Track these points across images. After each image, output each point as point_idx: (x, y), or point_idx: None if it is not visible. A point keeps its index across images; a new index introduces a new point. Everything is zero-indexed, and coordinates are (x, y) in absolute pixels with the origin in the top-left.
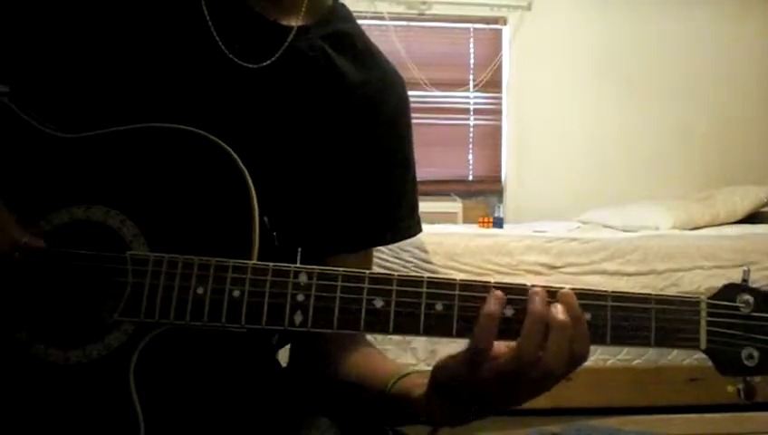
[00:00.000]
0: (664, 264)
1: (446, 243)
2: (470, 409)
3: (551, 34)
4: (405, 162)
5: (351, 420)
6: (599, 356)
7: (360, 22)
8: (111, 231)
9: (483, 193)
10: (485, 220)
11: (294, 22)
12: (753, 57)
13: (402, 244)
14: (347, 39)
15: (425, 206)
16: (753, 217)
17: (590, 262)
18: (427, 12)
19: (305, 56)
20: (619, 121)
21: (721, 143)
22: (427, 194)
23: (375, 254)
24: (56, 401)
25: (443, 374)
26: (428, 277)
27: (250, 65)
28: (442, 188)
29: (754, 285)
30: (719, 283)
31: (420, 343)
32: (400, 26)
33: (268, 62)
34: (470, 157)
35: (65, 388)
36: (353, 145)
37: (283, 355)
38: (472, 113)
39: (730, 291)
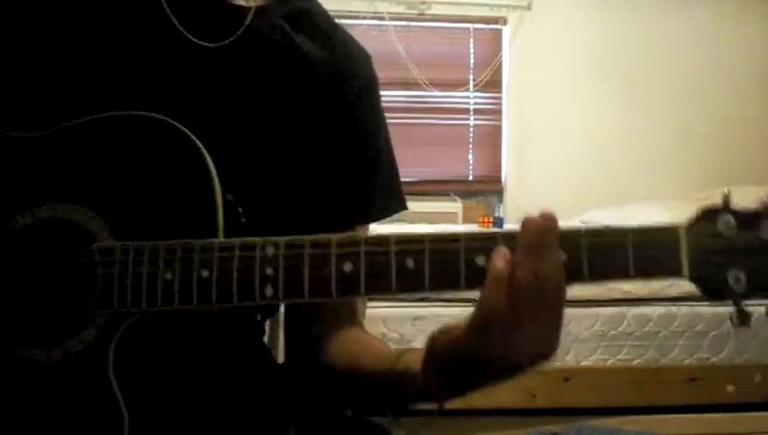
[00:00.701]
0: None
1: None
2: (476, 380)
3: (551, 34)
4: (376, 140)
5: (348, 405)
6: (599, 356)
7: (359, 22)
8: (77, 227)
9: (483, 193)
10: (485, 220)
11: (252, 2)
12: (754, 57)
13: None
14: (307, 17)
15: (425, 206)
16: None
17: None
18: (427, 12)
19: (265, 36)
20: (619, 121)
21: (721, 143)
22: (426, 194)
23: None
24: (42, 400)
25: (446, 348)
26: (396, 235)
27: (209, 44)
28: (442, 188)
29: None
30: None
31: (420, 343)
32: (400, 26)
33: (227, 41)
34: (470, 157)
35: (49, 386)
36: (320, 123)
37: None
38: (472, 113)
39: (710, 215)
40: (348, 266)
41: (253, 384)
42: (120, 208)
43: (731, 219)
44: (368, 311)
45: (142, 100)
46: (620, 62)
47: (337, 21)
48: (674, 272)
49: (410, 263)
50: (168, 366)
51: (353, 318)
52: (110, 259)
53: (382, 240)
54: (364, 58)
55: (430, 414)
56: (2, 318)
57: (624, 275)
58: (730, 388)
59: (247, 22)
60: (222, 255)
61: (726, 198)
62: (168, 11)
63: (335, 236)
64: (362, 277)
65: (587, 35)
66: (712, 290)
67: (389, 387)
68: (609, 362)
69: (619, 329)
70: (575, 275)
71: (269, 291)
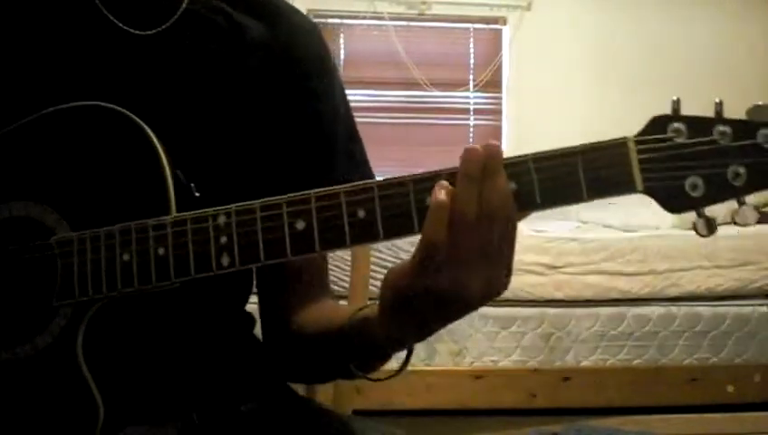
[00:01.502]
0: (664, 264)
1: None
2: (428, 317)
3: (551, 34)
4: (331, 110)
5: (318, 370)
6: (599, 356)
7: (359, 22)
8: (35, 222)
9: None
10: None
11: None
12: (754, 57)
13: (402, 243)
14: None
15: None
16: None
17: (590, 262)
18: (427, 12)
19: (204, 18)
20: (619, 121)
21: None
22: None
23: (372, 252)
24: (16, 398)
25: (394, 286)
26: (345, 187)
27: (142, 32)
28: None
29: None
30: (719, 283)
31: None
32: (400, 26)
33: (162, 27)
34: None
35: (22, 383)
36: (269, 100)
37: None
38: (472, 113)
39: (659, 123)
40: (300, 224)
41: (235, 371)
42: (74, 200)
43: (681, 126)
44: None
45: (80, 93)
46: (620, 63)
47: (337, 21)
48: (628, 187)
49: (361, 213)
50: (142, 354)
51: (325, 291)
52: (68, 250)
53: (331, 194)
54: (310, 30)
55: (392, 376)
56: None
57: (577, 198)
58: (730, 388)
59: (184, 6)
60: (175, 229)
61: (676, 105)
62: (98, 4)
63: (285, 197)
64: (316, 233)
65: (587, 35)
66: (670, 201)
67: (351, 339)
68: (609, 362)
69: (619, 329)
70: (527, 204)
71: (225, 260)
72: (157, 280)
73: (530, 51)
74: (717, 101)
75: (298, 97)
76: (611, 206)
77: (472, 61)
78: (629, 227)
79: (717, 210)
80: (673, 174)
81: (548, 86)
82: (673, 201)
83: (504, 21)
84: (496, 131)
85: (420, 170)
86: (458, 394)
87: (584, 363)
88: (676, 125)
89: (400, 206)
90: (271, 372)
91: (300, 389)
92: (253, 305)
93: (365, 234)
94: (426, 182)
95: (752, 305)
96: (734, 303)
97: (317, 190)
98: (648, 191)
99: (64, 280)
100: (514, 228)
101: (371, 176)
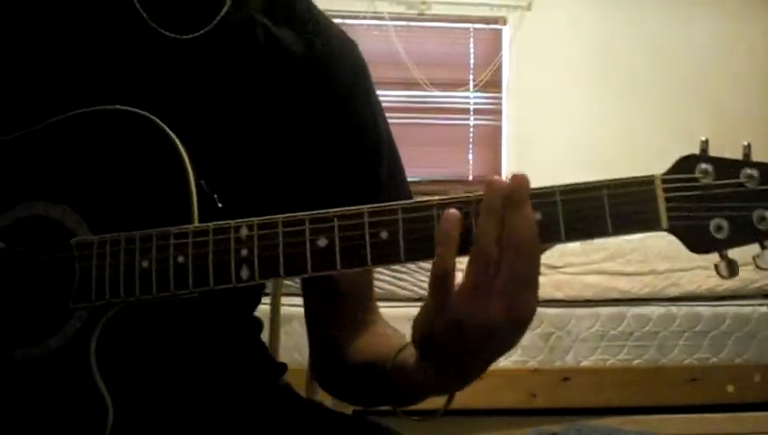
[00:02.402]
0: (664, 264)
1: None
2: (458, 359)
3: (551, 34)
4: (374, 128)
5: (369, 404)
6: (599, 356)
7: (359, 22)
8: (55, 223)
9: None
10: None
11: None
12: (755, 57)
13: None
14: (288, 8)
15: None
16: None
17: (590, 262)
18: (427, 12)
19: (241, 29)
20: (619, 121)
21: (721, 143)
22: (426, 194)
23: None
24: (27, 398)
25: (419, 330)
26: (369, 207)
27: (179, 36)
28: (442, 188)
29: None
30: (719, 283)
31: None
32: (400, 26)
33: (199, 33)
34: (470, 157)
35: (33, 383)
36: (301, 110)
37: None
38: (472, 113)
39: (686, 163)
40: (322, 242)
41: (242, 379)
42: (96, 203)
43: (709, 167)
44: None
45: (113, 94)
46: (620, 62)
47: (337, 21)
48: (653, 225)
49: (384, 234)
50: (154, 359)
51: (371, 312)
52: (87, 253)
53: (355, 214)
54: (349, 46)
55: (434, 414)
56: None
57: (602, 232)
58: (730, 388)
59: (221, 14)
60: (197, 239)
61: (704, 145)
62: (138, 6)
63: (307, 214)
64: (337, 251)
65: (587, 35)
66: (694, 241)
67: (393, 381)
68: (609, 362)
69: (619, 329)
70: (551, 236)
71: (245, 272)
72: (175, 288)
73: (530, 51)
74: (745, 144)
75: (338, 112)
76: None
77: (472, 61)
78: None
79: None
80: (698, 214)
81: (548, 86)
82: (697, 242)
83: (504, 21)
84: (496, 131)
85: (420, 170)
86: (458, 394)
87: (584, 363)
88: (703, 166)
89: (424, 229)
90: (274, 375)
91: (300, 389)
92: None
93: (386, 255)
94: (451, 207)
95: (752, 305)
96: (734, 303)
97: (340, 208)
98: (673, 230)
99: (82, 283)
100: (538, 261)
101: (410, 195)
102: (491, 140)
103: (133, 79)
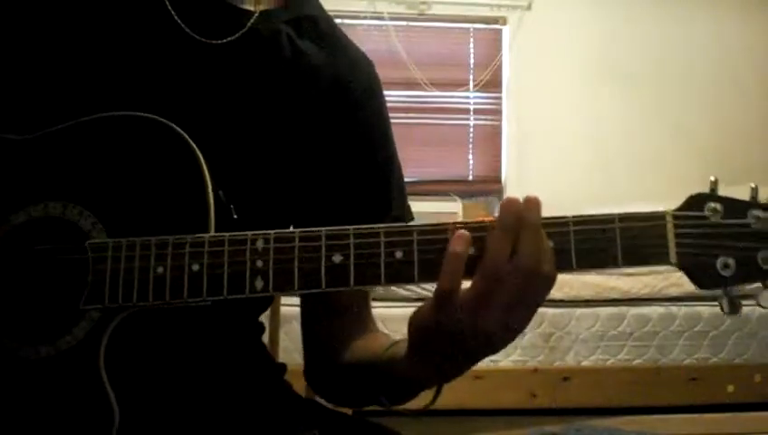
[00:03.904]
0: None
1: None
2: (449, 357)
3: (551, 34)
4: (385, 145)
5: (355, 399)
6: (599, 356)
7: (359, 22)
8: (71, 224)
9: (483, 193)
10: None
11: (253, 6)
12: (754, 57)
13: None
14: (311, 23)
15: (425, 206)
16: None
17: None
18: (427, 12)
19: (267, 39)
20: (619, 121)
21: (721, 143)
22: (427, 194)
23: None
24: (33, 397)
25: (416, 324)
26: (385, 226)
27: (208, 41)
28: (442, 188)
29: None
30: None
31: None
32: (400, 26)
33: (228, 39)
34: (470, 157)
35: (40, 382)
36: (322, 127)
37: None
38: (472, 113)
39: (696, 201)
40: (337, 258)
41: (245, 380)
42: (113, 206)
43: (718, 206)
44: None
45: (141, 95)
46: (620, 62)
47: (337, 21)
48: (661, 259)
49: (399, 254)
50: (161, 362)
51: (366, 325)
52: (102, 255)
53: (371, 232)
54: (366, 64)
55: (419, 413)
56: None
57: (612, 264)
58: (730, 388)
59: (250, 23)
60: (212, 249)
61: (714, 185)
62: (170, 8)
63: (325, 229)
64: (351, 269)
65: (587, 35)
66: (701, 277)
67: (381, 374)
68: (609, 362)
69: (619, 329)
70: (563, 265)
71: (259, 284)
72: (189, 295)
73: (530, 51)
74: (753, 186)
75: (353, 127)
76: (612, 206)
77: (472, 61)
78: None
79: None
80: (706, 252)
81: (548, 86)
82: (703, 278)
83: (504, 21)
84: (496, 131)
85: (420, 170)
86: (458, 394)
87: (584, 363)
88: (713, 205)
89: (438, 251)
90: (274, 376)
91: (301, 389)
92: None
93: (400, 275)
94: (466, 230)
95: (752, 305)
96: None
97: (357, 226)
98: (681, 265)
99: (95, 285)
100: (549, 285)
101: (410, 212)
102: (491, 140)
103: (161, 81)
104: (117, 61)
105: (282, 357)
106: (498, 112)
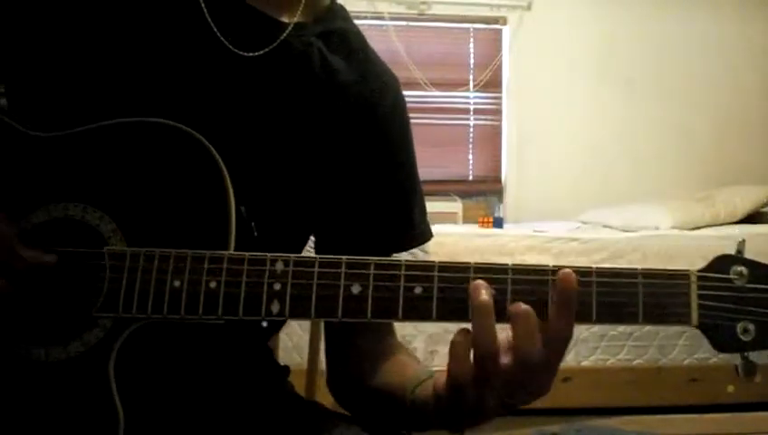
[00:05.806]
0: (664, 264)
1: (446, 243)
2: (477, 411)
3: (551, 34)
4: (409, 163)
5: (379, 420)
6: (599, 356)
7: (359, 22)
8: (90, 228)
9: (483, 193)
10: (485, 220)
11: (288, 18)
12: (754, 57)
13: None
14: (342, 38)
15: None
16: (753, 218)
17: (590, 262)
18: (427, 12)
19: (299, 52)
20: (620, 121)
21: (721, 143)
22: (426, 194)
23: None
24: (38, 399)
25: (437, 393)
26: (406, 261)
27: (242, 53)
28: (442, 188)
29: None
30: None
31: (420, 343)
32: (400, 26)
33: (261, 51)
34: (470, 157)
35: (46, 386)
36: (345, 142)
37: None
38: (472, 113)
39: (722, 263)
40: (356, 288)
41: (252, 386)
42: (134, 214)
43: (744, 270)
44: None
45: (170, 102)
46: (620, 62)
47: None
48: (683, 319)
49: (418, 290)
50: (169, 372)
51: (389, 341)
52: (119, 264)
53: (392, 265)
54: (394, 81)
55: None
56: (8, 315)
57: (632, 320)
58: (730, 388)
59: (283, 36)
60: (231, 266)
61: (740, 246)
62: (208, 17)
63: (345, 257)
64: (369, 301)
65: (587, 36)
66: (720, 340)
67: (405, 413)
68: (609, 362)
69: (619, 329)
70: (582, 318)
71: (275, 307)
72: (203, 313)
73: (530, 51)
74: None
75: (378, 147)
76: (612, 206)
77: (472, 61)
78: (629, 227)
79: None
80: (728, 315)
81: (548, 86)
82: (722, 341)
83: (504, 21)
84: (496, 131)
85: (420, 170)
86: None
87: (584, 363)
88: (738, 268)
89: (459, 292)
90: (279, 380)
91: (301, 390)
92: None
93: (417, 311)
94: (488, 273)
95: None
96: None
97: (379, 258)
98: (702, 327)
99: (110, 293)
100: (566, 346)
101: (430, 231)
102: (491, 139)
103: (192, 89)
104: (150, 65)
105: (282, 357)
106: (498, 112)
